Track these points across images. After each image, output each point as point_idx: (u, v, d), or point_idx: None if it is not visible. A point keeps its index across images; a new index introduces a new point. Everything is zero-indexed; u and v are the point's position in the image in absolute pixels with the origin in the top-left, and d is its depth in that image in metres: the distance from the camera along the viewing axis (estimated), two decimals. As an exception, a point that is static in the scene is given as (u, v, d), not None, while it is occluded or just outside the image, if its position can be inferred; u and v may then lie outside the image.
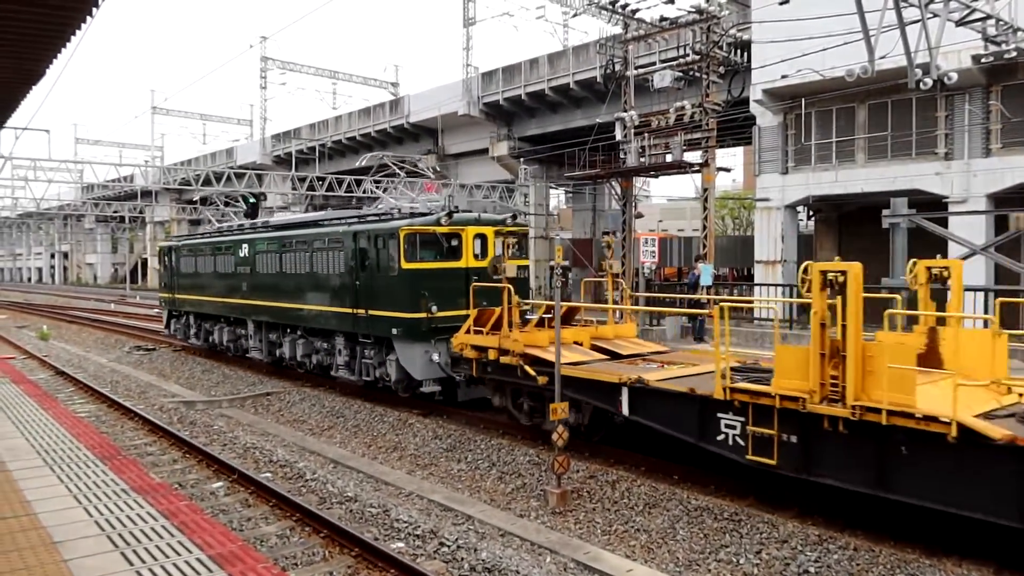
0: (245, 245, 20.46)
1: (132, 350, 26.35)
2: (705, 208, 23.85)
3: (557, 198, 57.05)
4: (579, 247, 41.78)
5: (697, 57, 22.80)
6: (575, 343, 12.48)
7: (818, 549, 7.78)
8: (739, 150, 56.55)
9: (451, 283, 14.49)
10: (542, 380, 11.38)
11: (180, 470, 11.18)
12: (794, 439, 8.32)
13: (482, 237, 15.19)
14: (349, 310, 15.80)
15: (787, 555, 7.77)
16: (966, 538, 7.68)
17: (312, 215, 21.34)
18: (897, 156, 22.22)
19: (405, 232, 14.35)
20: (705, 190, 23.88)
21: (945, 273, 9.29)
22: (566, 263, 12.82)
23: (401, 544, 8.08)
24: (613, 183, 26.65)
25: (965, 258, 17.45)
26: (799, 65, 20.01)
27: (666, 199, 77.70)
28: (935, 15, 12.92)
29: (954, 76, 13.40)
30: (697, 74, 23.17)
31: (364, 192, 41.98)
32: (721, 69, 23.16)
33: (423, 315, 14.15)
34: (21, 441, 9.00)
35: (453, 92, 41.73)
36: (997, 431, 6.94)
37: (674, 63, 23.82)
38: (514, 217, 16.39)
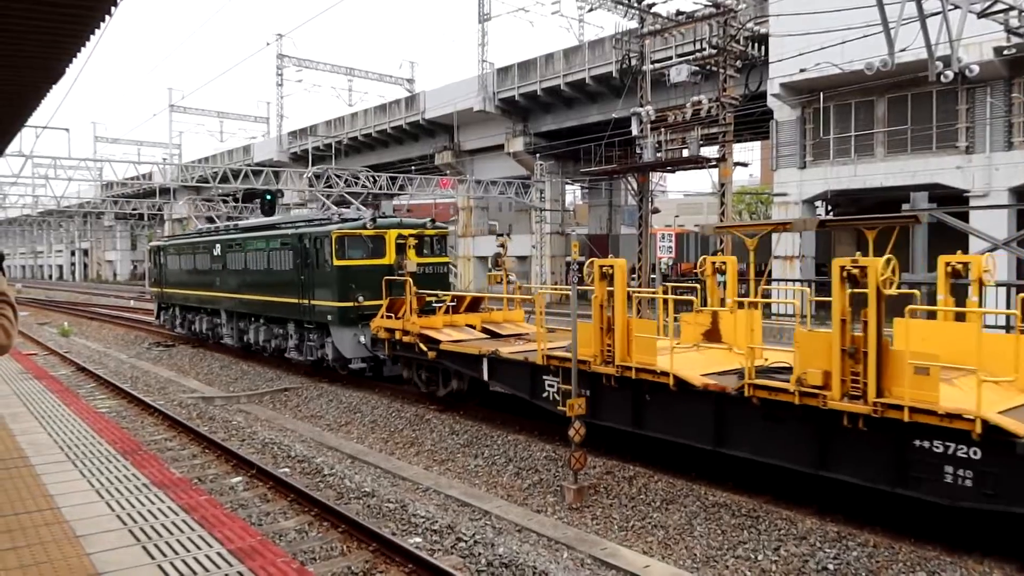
0: (218, 245, 23.20)
1: (152, 346, 26.59)
2: (722, 203, 23.72)
3: (573, 193, 56.98)
4: (595, 243, 41.72)
5: (714, 51, 22.66)
6: (468, 325, 15.05)
7: (837, 546, 7.73)
8: (756, 145, 56.20)
9: (376, 277, 16.75)
10: (432, 355, 13.87)
11: (200, 465, 11.27)
12: (588, 393, 10.76)
13: (402, 239, 17.69)
14: (296, 300, 18.58)
15: (806, 552, 7.73)
16: (988, 535, 7.61)
17: (270, 219, 24.42)
18: (917, 150, 22.01)
19: (336, 235, 17.15)
20: (722, 185, 23.75)
21: (723, 266, 11.59)
22: (582, 259, 13.22)
23: (419, 539, 8.11)
24: (629, 178, 26.57)
25: (987, 252, 17.26)
26: (817, 59, 19.85)
27: (683, 194, 77.33)
28: (956, 7, 12.78)
29: (975, 68, 13.25)
30: (714, 68, 23.03)
31: (380, 189, 42.07)
32: (738, 63, 23.01)
33: (352, 304, 16.92)
34: (44, 436, 9.10)
35: (469, 88, 41.75)
36: (698, 380, 9.34)
37: (691, 57, 23.71)
38: (433, 222, 19.10)
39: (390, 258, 17.41)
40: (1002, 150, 20.49)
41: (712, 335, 11.18)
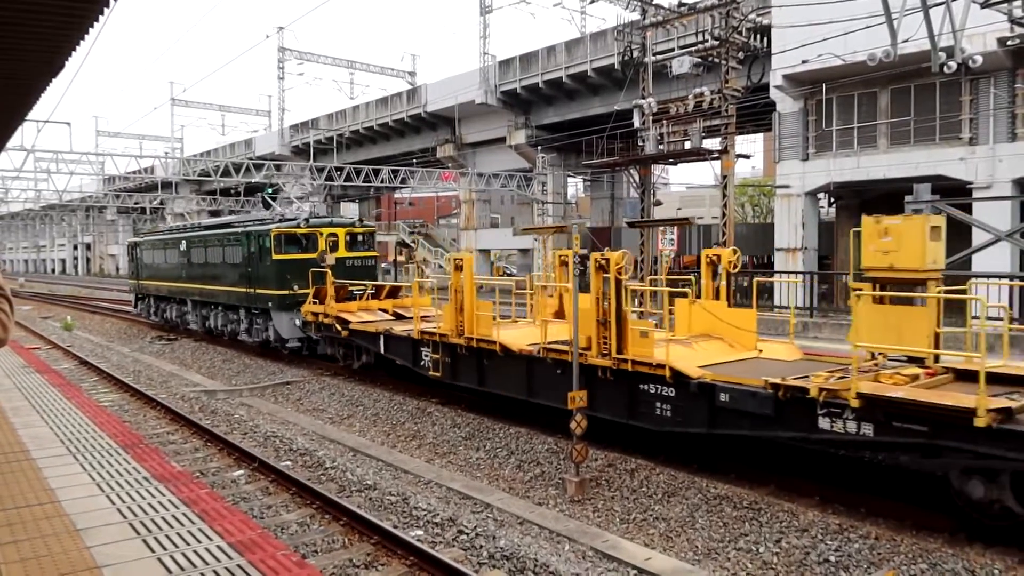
0: (183, 242, 26.06)
1: (154, 340, 26.61)
2: (724, 195, 23.67)
3: (575, 186, 56.89)
4: (597, 235, 41.66)
5: (716, 43, 22.57)
6: (381, 309, 17.88)
7: (839, 538, 7.72)
8: (759, 137, 55.97)
9: (309, 269, 19.22)
10: (345, 333, 16.77)
11: (201, 458, 11.28)
12: (449, 360, 13.65)
13: (334, 236, 20.59)
14: (245, 290, 21.37)
15: (807, 544, 7.72)
16: (992, 527, 7.59)
17: (225, 219, 27.95)
18: (920, 141, 21.92)
19: (275, 233, 20.11)
20: (724, 177, 23.69)
21: (566, 258, 13.40)
22: (584, 251, 13.48)
23: (420, 532, 8.11)
24: (631, 171, 26.51)
25: (989, 244, 17.21)
26: (820, 50, 19.75)
27: (685, 186, 77.24)
28: (959, -3, 12.70)
29: (979, 59, 13.17)
30: (716, 60, 22.95)
31: (382, 182, 42.03)
32: (740, 55, 22.91)
33: (288, 292, 19.70)
34: (45, 430, 9.11)
35: (470, 81, 41.65)
36: (516, 346, 12.10)
37: (693, 49, 23.60)
38: (361, 221, 22.08)
39: (320, 252, 20.34)
40: (1006, 141, 20.39)
41: (559, 313, 13.99)
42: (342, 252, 20.59)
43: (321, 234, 20.38)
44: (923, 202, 17.43)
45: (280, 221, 21.10)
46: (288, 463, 10.96)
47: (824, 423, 8.17)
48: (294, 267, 19.84)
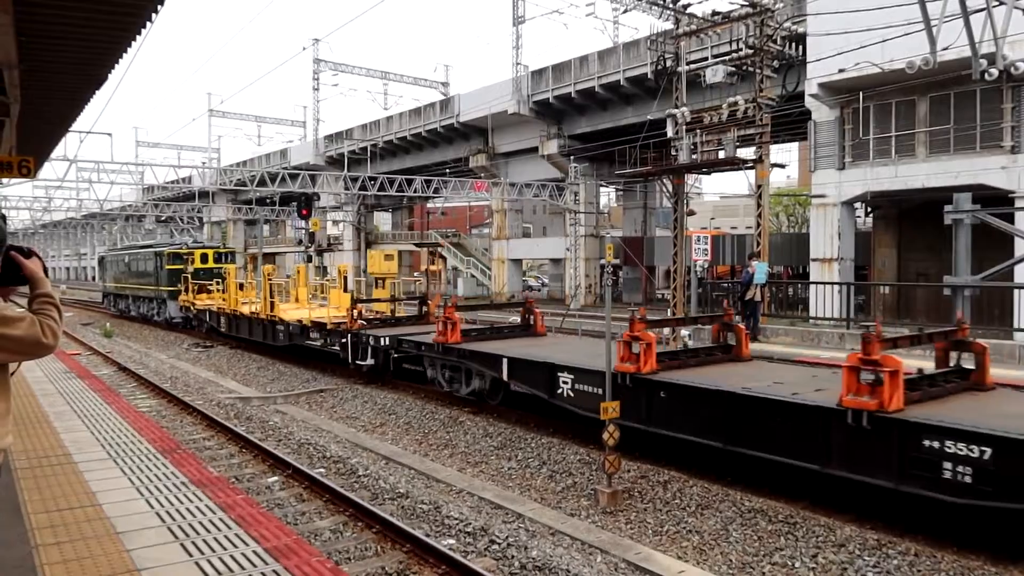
0: (127, 255, 40.43)
1: (191, 347, 27.02)
2: (759, 205, 23.43)
3: (608, 196, 56.76)
4: (630, 245, 41.48)
5: (750, 51, 22.37)
6: (223, 299, 27.02)
7: (877, 554, 7.58)
8: (794, 146, 55.47)
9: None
10: (195, 310, 29.22)
11: (237, 464, 11.41)
12: (227, 321, 26.02)
13: (204, 255, 33.07)
14: (155, 287, 34.95)
15: (844, 559, 7.59)
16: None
17: (149, 242, 44.36)
18: (960, 150, 21.53)
19: (167, 253, 33.79)
20: (759, 187, 23.44)
21: (299, 269, 25.74)
22: (616, 261, 13.28)
23: (452, 541, 8.11)
24: (664, 180, 26.37)
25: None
26: (857, 58, 19.51)
27: (719, 196, 76.59)
28: (1001, 2, 12.48)
29: (1021, 66, 12.90)
30: (750, 69, 22.74)
31: (415, 192, 42.30)
32: (775, 63, 22.68)
33: (175, 288, 31.82)
34: (86, 434, 9.29)
35: (503, 91, 41.81)
36: (245, 311, 24.82)
37: (727, 58, 23.43)
38: (224, 244, 37.39)
39: (196, 264, 31.93)
40: (1049, 150, 19.95)
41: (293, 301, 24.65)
42: (211, 264, 32.34)
43: (194, 253, 32.67)
44: (963, 211, 17.11)
45: (171, 245, 35.08)
46: (322, 470, 11.03)
47: (311, 335, 19.76)
48: (178, 273, 31.77)
